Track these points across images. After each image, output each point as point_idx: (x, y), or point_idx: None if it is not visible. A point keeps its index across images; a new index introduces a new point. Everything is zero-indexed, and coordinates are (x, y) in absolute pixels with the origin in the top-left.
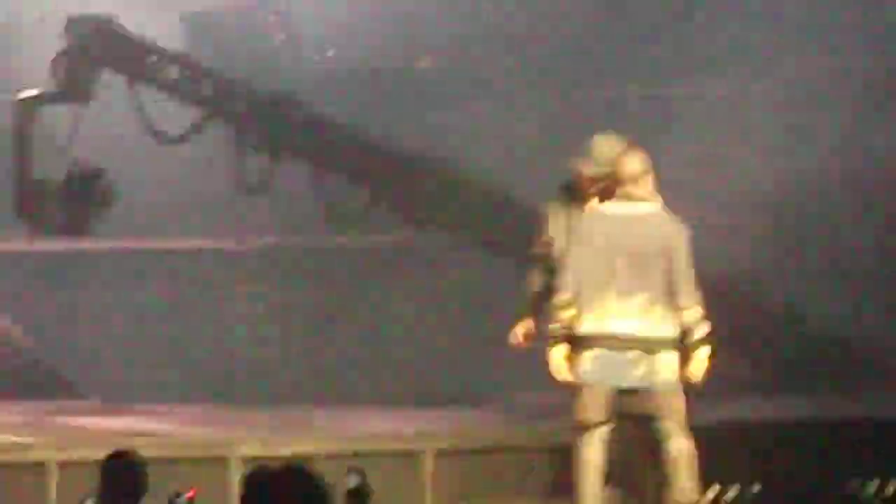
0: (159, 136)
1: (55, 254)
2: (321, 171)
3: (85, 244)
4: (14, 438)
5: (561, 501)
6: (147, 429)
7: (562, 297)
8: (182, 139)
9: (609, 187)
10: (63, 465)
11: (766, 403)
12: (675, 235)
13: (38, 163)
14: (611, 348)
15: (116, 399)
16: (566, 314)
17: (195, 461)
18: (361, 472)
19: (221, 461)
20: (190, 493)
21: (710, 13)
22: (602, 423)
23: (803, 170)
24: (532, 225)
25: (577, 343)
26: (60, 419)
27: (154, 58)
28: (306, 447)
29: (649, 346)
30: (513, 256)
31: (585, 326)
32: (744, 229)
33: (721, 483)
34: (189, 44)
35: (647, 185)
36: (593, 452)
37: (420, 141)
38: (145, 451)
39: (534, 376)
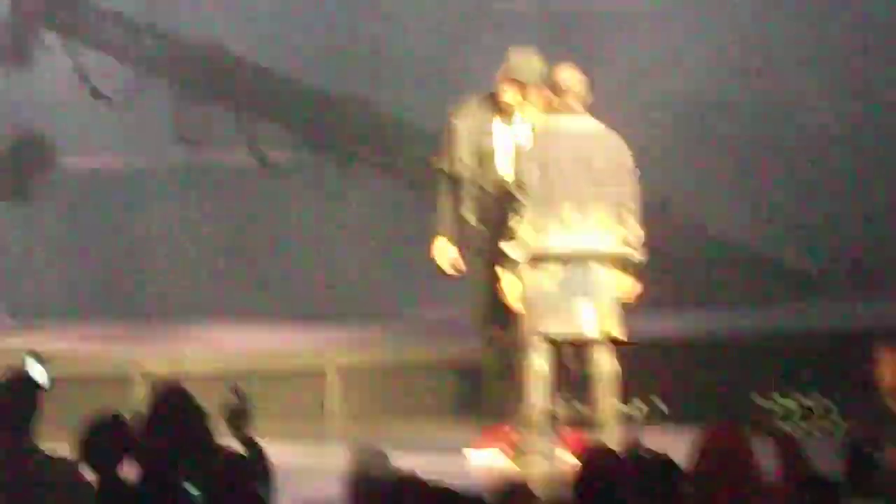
0: (99, 97)
1: None
2: (252, 117)
3: None
4: None
5: (467, 420)
6: (49, 348)
7: (521, 214)
8: (124, 99)
9: (545, 100)
10: None
11: (676, 319)
12: (626, 153)
13: None
14: (569, 263)
15: (26, 315)
16: (526, 232)
17: (98, 378)
18: (238, 391)
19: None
20: None
21: None
22: (555, 338)
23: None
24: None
25: (534, 259)
26: None
27: (92, 16)
28: (207, 365)
29: (606, 262)
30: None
31: (542, 242)
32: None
33: (626, 400)
34: None
35: (584, 100)
36: (544, 364)
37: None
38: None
39: (438, 292)
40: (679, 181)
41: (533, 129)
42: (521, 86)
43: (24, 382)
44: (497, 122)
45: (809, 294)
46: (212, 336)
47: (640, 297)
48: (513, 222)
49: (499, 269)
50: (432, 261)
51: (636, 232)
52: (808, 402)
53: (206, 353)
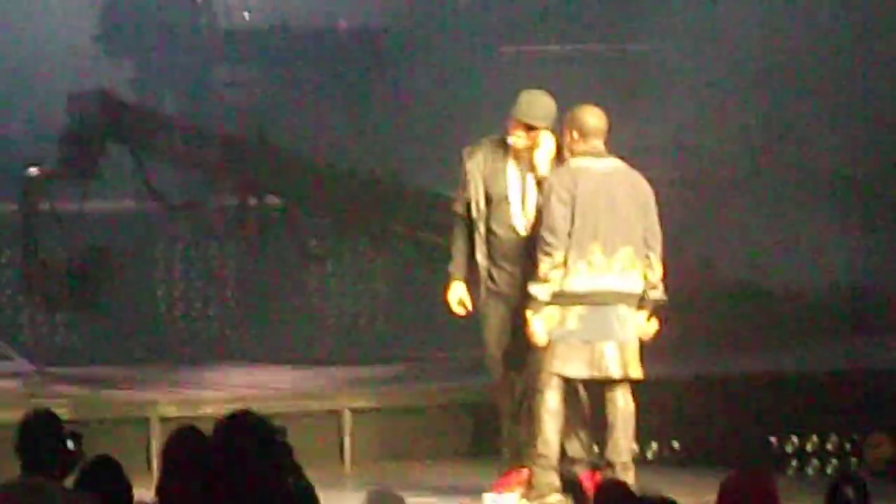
0: (166, 205)
1: None
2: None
3: None
4: None
5: (480, 460)
6: (65, 390)
7: (554, 258)
8: (191, 207)
9: (567, 142)
10: None
11: (688, 361)
12: (649, 192)
13: (44, 241)
14: (596, 304)
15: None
16: (557, 275)
17: (115, 421)
18: (283, 430)
19: (142, 421)
20: None
21: None
22: (575, 379)
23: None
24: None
25: (560, 300)
26: None
27: (157, 126)
28: (226, 406)
29: (630, 302)
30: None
31: (570, 284)
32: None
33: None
34: (107, 8)
35: (605, 140)
36: (559, 402)
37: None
38: (61, 412)
39: (448, 335)
40: (691, 219)
41: (557, 170)
42: (532, 128)
43: (46, 421)
44: (510, 165)
45: (829, 333)
46: (228, 379)
47: (656, 337)
48: (544, 265)
49: (527, 312)
50: (443, 304)
51: (659, 271)
52: (826, 443)
53: (224, 395)
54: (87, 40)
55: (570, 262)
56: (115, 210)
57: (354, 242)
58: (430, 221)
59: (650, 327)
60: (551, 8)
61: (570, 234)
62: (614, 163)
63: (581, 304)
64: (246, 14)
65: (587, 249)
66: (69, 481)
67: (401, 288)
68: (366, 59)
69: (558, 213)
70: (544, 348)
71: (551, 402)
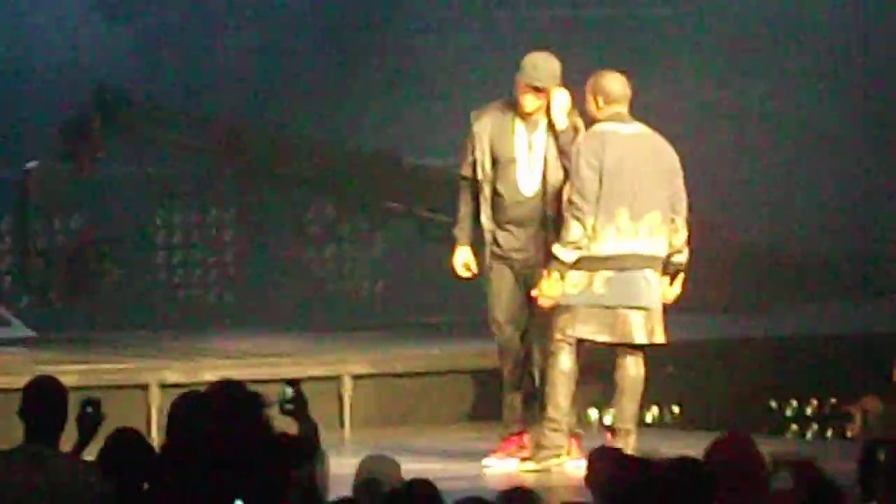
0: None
1: None
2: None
3: None
4: None
5: (484, 424)
6: (68, 357)
7: (585, 223)
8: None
9: (591, 108)
10: None
11: (688, 325)
12: (675, 156)
13: (42, 232)
14: (623, 269)
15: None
16: (587, 240)
17: (116, 388)
18: (292, 382)
19: (143, 388)
20: None
21: None
22: (593, 340)
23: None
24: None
25: (587, 264)
26: None
27: (155, 117)
28: (226, 372)
29: (656, 266)
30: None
31: (598, 248)
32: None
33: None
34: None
35: (628, 104)
36: (573, 365)
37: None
38: (65, 378)
39: (449, 298)
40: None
41: (586, 135)
42: (540, 90)
43: (52, 388)
44: (517, 128)
45: (828, 296)
46: (228, 345)
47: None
48: (575, 230)
49: (552, 273)
50: (445, 269)
51: (684, 235)
52: (824, 406)
53: (224, 361)
54: (86, 9)
55: (598, 227)
56: (112, 176)
57: (353, 221)
58: (426, 197)
59: (673, 291)
60: None
61: (598, 199)
62: (640, 127)
63: (608, 268)
64: None
65: (615, 214)
66: (92, 448)
67: (399, 255)
68: (361, 25)
69: (588, 178)
70: (564, 311)
71: (565, 363)
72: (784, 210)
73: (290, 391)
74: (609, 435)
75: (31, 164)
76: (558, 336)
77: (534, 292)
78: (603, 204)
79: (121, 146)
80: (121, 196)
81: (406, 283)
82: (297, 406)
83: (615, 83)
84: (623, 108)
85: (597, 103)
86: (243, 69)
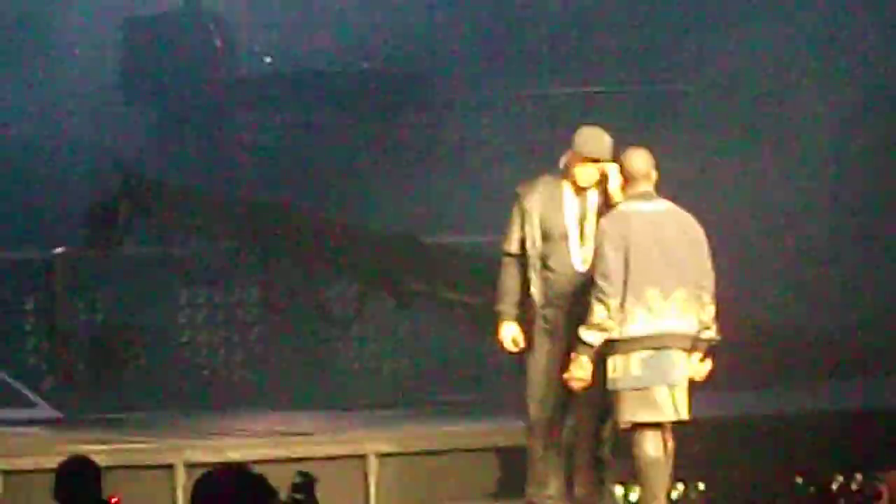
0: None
1: None
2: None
3: None
4: None
5: (509, 502)
6: (95, 437)
7: (610, 305)
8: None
9: (624, 182)
10: (7, 474)
11: (711, 401)
12: (700, 232)
13: (67, 316)
14: (657, 348)
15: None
16: (615, 321)
17: (141, 468)
18: (305, 473)
19: (168, 468)
20: (114, 501)
21: None
22: (656, 423)
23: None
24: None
25: (621, 346)
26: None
27: (183, 200)
28: (251, 452)
29: (686, 344)
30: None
31: (630, 330)
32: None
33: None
34: (126, 49)
35: (653, 182)
36: (656, 449)
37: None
38: (102, 459)
39: (472, 376)
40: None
41: (609, 215)
42: (598, 163)
43: (85, 468)
44: (568, 202)
45: (852, 372)
46: (253, 424)
47: (709, 377)
48: (599, 312)
49: (581, 357)
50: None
51: (712, 311)
52: (850, 482)
53: (248, 441)
54: (107, 90)
55: (627, 308)
56: (137, 257)
57: (377, 301)
58: (449, 278)
59: (704, 368)
60: (562, 51)
61: (625, 280)
62: (665, 204)
63: (643, 348)
64: (267, 59)
65: (644, 294)
66: None
67: (422, 336)
68: (384, 103)
69: (612, 260)
70: (615, 398)
71: (650, 451)
72: (804, 285)
73: (299, 479)
74: None
75: (59, 250)
76: (624, 426)
77: (566, 375)
78: (631, 284)
79: (144, 227)
80: (144, 277)
81: (428, 362)
82: (306, 495)
83: (638, 161)
84: (647, 186)
85: (622, 180)
86: (265, 149)
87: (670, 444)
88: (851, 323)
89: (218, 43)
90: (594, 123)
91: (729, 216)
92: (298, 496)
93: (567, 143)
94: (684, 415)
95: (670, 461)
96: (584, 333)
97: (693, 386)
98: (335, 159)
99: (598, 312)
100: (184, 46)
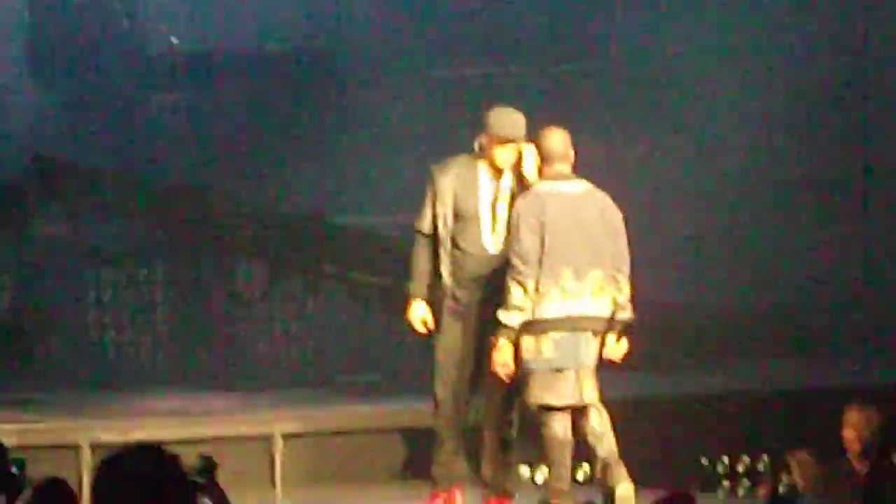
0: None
1: None
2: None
3: None
4: None
5: (412, 483)
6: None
7: (527, 286)
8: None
9: (540, 162)
10: None
11: (618, 382)
12: (617, 214)
13: None
14: (570, 330)
15: None
16: (529, 302)
17: (47, 448)
18: (207, 457)
19: (74, 448)
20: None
21: None
22: (568, 407)
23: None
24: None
25: (535, 327)
26: None
27: (89, 182)
28: (157, 432)
29: (598, 326)
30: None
31: (544, 311)
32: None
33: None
34: (31, 26)
35: (570, 163)
36: (564, 430)
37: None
38: (12, 440)
39: (379, 357)
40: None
41: (525, 196)
42: (512, 143)
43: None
44: (482, 183)
45: (759, 353)
46: (159, 404)
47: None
48: (516, 294)
49: (500, 340)
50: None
51: (627, 292)
52: (756, 462)
53: (155, 420)
54: (15, 74)
55: (542, 289)
56: (45, 235)
57: (285, 284)
58: (360, 260)
59: (620, 349)
60: (475, 31)
61: (540, 261)
62: (582, 185)
63: (555, 330)
64: (174, 39)
65: (559, 275)
66: None
67: (330, 316)
68: (293, 83)
69: (528, 241)
70: (527, 379)
71: (559, 432)
72: (711, 266)
73: (200, 463)
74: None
75: None
76: (533, 406)
77: (492, 368)
78: (547, 265)
79: (52, 208)
80: (52, 257)
81: (337, 343)
82: (208, 479)
83: (555, 141)
84: (564, 166)
85: (538, 160)
86: (174, 131)
87: (603, 416)
88: (761, 306)
89: (125, 23)
90: (507, 104)
91: (639, 196)
92: (199, 479)
93: (480, 124)
94: (589, 399)
95: (609, 436)
96: (503, 315)
97: (607, 367)
98: (244, 139)
99: (515, 293)
100: (90, 25)
